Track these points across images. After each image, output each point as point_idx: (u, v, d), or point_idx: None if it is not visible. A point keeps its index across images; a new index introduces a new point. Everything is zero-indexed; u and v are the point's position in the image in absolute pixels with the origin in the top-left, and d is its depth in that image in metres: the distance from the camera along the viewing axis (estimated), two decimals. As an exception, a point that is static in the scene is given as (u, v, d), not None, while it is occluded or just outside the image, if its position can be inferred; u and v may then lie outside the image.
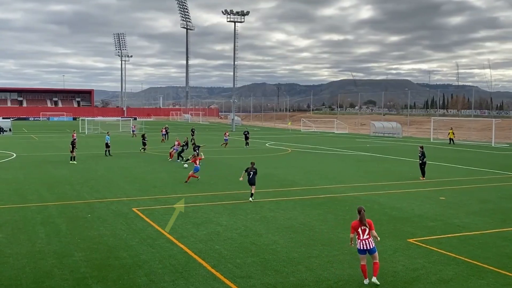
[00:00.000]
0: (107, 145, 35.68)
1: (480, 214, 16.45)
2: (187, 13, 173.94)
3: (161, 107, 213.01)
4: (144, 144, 38.70)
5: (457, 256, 11.69)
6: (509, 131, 61.07)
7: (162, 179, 24.09)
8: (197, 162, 23.19)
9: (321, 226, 14.59)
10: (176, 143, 33.69)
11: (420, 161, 24.79)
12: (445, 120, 77.28)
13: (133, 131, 60.41)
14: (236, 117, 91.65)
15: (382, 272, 10.50)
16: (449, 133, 52.17)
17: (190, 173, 23.20)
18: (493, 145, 49.26)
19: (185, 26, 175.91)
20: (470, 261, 11.33)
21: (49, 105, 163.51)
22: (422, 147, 25.32)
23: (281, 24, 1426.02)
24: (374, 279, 9.78)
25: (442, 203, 18.47)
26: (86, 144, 47.35)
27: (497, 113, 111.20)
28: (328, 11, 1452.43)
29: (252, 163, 18.90)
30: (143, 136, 39.88)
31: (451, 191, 21.15)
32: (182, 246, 12.34)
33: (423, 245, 12.64)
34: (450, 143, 50.42)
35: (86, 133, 68.63)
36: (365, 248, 9.83)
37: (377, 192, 20.69)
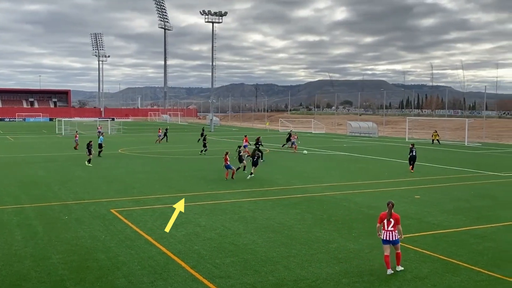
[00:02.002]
0: (100, 146, 34.81)
1: (454, 212, 16.84)
2: (165, 13, 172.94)
3: (139, 107, 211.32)
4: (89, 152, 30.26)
5: (432, 253, 11.96)
6: (481, 131, 62.44)
7: (141, 180, 23.94)
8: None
9: (299, 226, 14.74)
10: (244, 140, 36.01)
11: (410, 155, 28.08)
12: (419, 120, 78.56)
13: (99, 131, 58.97)
14: (214, 118, 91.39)
15: (359, 270, 10.70)
16: (433, 135, 53.00)
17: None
18: (466, 144, 50.31)
19: (163, 26, 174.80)
20: (445, 258, 11.61)
21: (25, 105, 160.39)
22: (413, 145, 28.61)
23: (257, 25, 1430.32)
24: (398, 268, 10.65)
25: (417, 202, 18.83)
26: (64, 145, 46.66)
27: (470, 113, 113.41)
28: (303, 12, 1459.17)
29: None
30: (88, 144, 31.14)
31: (425, 190, 21.57)
32: (161, 247, 12.33)
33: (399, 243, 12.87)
34: (433, 143, 51.15)
35: (63, 134, 67.60)
36: (387, 239, 10.49)
37: (353, 191, 20.97)
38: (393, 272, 10.50)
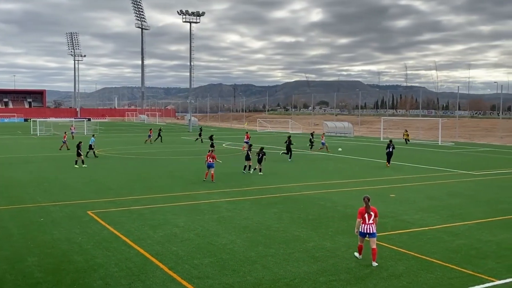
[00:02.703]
0: (90, 147, 34.44)
1: (428, 211, 17.19)
2: (142, 13, 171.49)
3: (116, 107, 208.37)
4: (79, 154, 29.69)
5: (407, 251, 12.19)
6: (454, 130, 63.74)
7: (119, 181, 23.73)
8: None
9: (277, 225, 14.84)
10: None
11: (388, 151, 30.50)
12: (394, 120, 79.70)
13: (72, 132, 58.03)
14: (193, 118, 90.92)
15: (335, 269, 10.85)
16: (403, 134, 53.80)
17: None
18: (439, 144, 51.28)
19: (140, 26, 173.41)
20: (420, 256, 11.85)
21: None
22: (390, 141, 31.37)
23: (234, 25, 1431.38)
24: (374, 264, 11.00)
25: (392, 200, 19.15)
26: (39, 145, 45.83)
27: (443, 112, 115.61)
28: (279, 13, 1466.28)
29: (261, 148, 26.70)
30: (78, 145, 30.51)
31: (400, 189, 21.94)
32: (138, 248, 12.26)
33: (375, 241, 13.09)
34: (407, 142, 51.92)
35: (38, 134, 66.37)
36: (367, 231, 11.05)
37: (330, 190, 21.20)
38: (361, 258, 11.33)
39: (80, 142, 30.08)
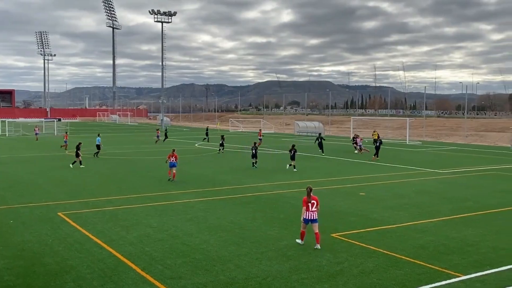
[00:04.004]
0: (98, 147, 34.74)
1: (397, 208, 17.61)
2: (113, 12, 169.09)
3: (87, 107, 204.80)
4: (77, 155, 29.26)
5: (376, 249, 12.50)
6: (422, 130, 65.20)
7: (92, 182, 23.43)
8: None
9: (250, 224, 14.97)
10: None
11: (376, 144, 34.42)
12: (363, 119, 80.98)
13: (36, 134, 56.83)
14: (165, 118, 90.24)
15: (307, 267, 11.04)
16: (373, 134, 54.60)
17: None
18: (407, 143, 52.40)
19: (111, 25, 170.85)
20: (389, 253, 12.16)
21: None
22: (378, 136, 36.80)
23: (206, 25, 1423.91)
24: (317, 246, 12.38)
25: (362, 198, 19.53)
26: (9, 146, 44.71)
27: (410, 112, 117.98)
28: (250, 14, 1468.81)
29: (293, 145, 28.73)
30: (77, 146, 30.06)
31: (370, 187, 22.39)
32: (111, 250, 12.19)
33: (346, 239, 13.38)
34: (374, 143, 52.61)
35: (7, 135, 64.73)
36: (310, 218, 12.42)
37: (302, 189, 21.36)
38: (303, 244, 12.56)
39: (79, 143, 29.78)
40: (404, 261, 11.48)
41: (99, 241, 12.91)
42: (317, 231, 12.48)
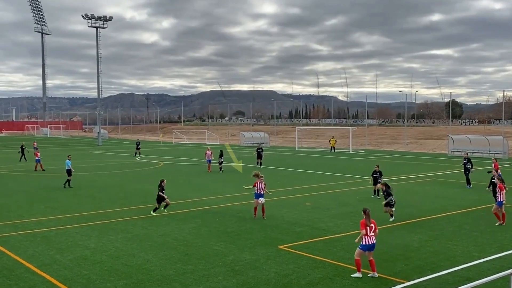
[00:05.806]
0: (69, 173, 27.19)
1: (341, 217, 17.74)
2: (42, 16, 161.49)
3: (14, 120, 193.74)
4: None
5: (323, 259, 12.45)
6: (364, 138, 66.94)
7: (19, 201, 21.99)
8: None
9: (196, 240, 14.54)
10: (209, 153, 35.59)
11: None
12: (308, 129, 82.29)
13: None
14: (102, 130, 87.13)
15: (255, 281, 10.78)
16: (330, 141, 55.38)
17: None
18: (350, 152, 53.55)
19: (40, 30, 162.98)
20: (335, 262, 12.14)
21: None
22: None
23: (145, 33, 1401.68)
24: (374, 274, 10.99)
25: (308, 208, 19.57)
26: None
27: (353, 121, 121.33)
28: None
29: (377, 166, 23.18)
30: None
31: (315, 197, 22.51)
32: (44, 275, 11.38)
33: (293, 250, 13.25)
34: (331, 151, 53.37)
35: None
36: (370, 243, 11.08)
37: (249, 202, 21.18)
38: (361, 277, 10.99)
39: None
40: (351, 270, 11.47)
41: (30, 266, 12.04)
42: (372, 257, 11.18)
